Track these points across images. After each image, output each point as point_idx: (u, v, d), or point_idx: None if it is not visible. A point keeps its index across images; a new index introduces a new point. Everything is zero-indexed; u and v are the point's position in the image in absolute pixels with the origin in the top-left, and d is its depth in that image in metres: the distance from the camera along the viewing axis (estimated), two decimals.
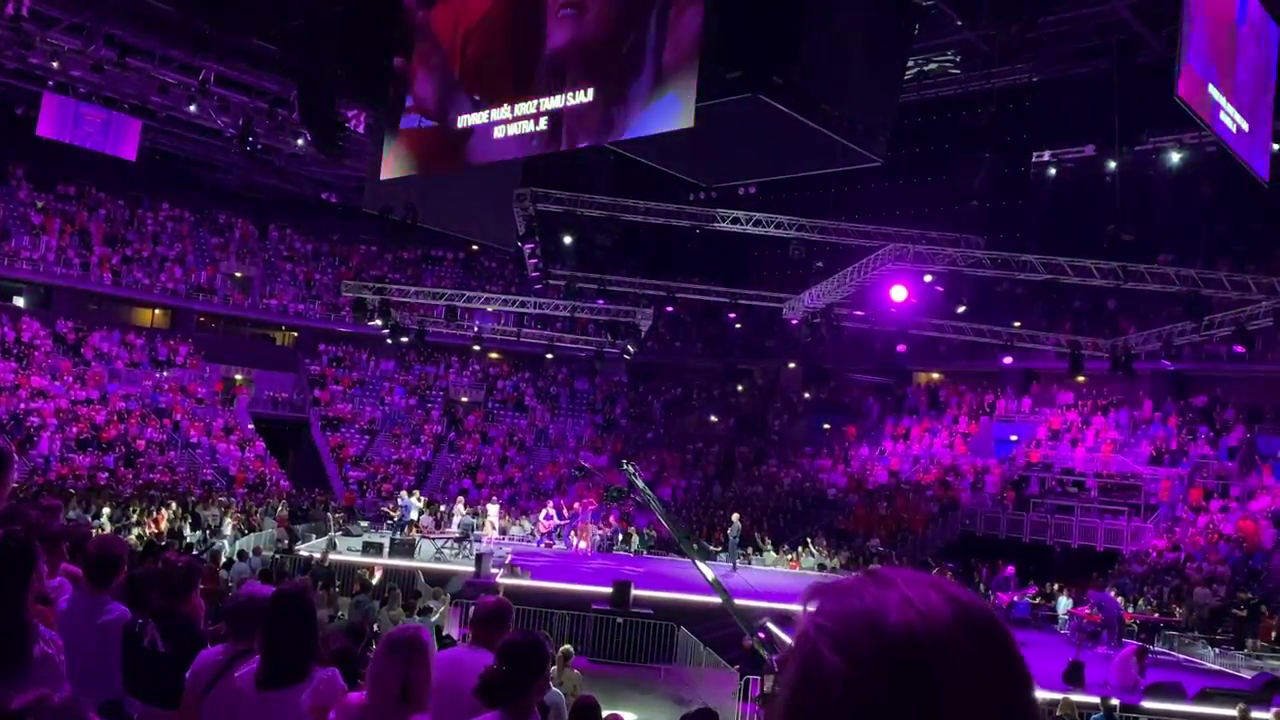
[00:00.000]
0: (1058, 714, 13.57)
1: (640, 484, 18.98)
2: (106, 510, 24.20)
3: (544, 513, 30.12)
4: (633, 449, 41.42)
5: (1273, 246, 33.55)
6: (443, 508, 29.40)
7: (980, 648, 0.97)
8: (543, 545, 29.16)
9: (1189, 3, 13.18)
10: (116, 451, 33.59)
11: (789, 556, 29.42)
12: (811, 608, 1.02)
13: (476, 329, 38.97)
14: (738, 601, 16.73)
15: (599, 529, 29.70)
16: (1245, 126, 15.26)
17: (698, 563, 16.81)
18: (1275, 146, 17.65)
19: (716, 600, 16.44)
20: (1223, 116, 14.48)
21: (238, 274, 44.20)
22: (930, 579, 1.02)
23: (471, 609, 5.08)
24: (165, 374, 38.84)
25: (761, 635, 15.42)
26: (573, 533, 29.39)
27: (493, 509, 29.05)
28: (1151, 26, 16.48)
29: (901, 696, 0.94)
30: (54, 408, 33.78)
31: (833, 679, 0.95)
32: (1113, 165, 23.28)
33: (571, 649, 12.51)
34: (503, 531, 29.31)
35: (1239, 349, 27.28)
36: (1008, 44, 17.79)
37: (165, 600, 4.40)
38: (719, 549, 28.09)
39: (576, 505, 30.27)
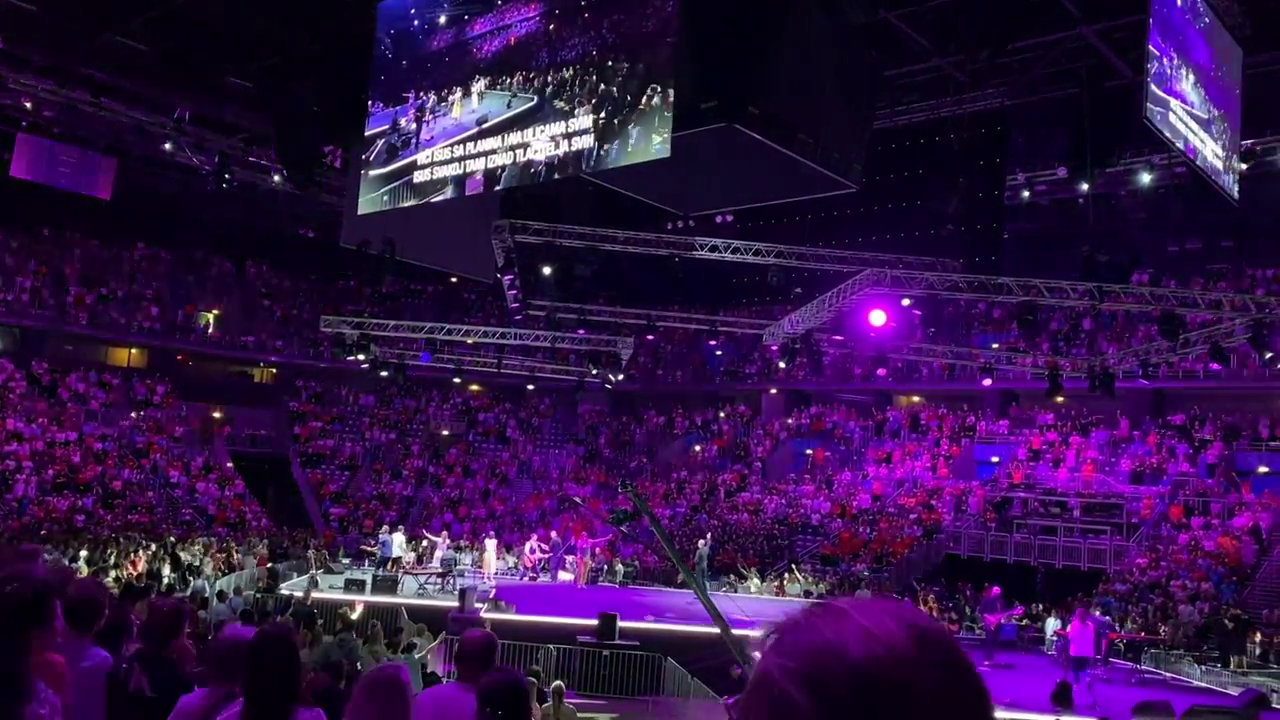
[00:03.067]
0: None
1: (644, 506, 18.93)
2: (84, 553, 23.88)
3: (529, 545, 29.93)
4: (616, 479, 41.31)
5: (1244, 264, 34.01)
6: (424, 543, 29.16)
7: (944, 674, 0.97)
8: (527, 578, 28.97)
9: (1154, 27, 13.39)
10: (94, 493, 33.20)
11: (774, 583, 29.33)
12: (769, 646, 1.01)
13: (455, 362, 38.89)
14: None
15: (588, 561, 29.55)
16: (1213, 146, 15.49)
17: (696, 589, 16.74)
18: (1243, 166, 17.92)
19: (702, 630, 16.35)
20: (1191, 137, 14.69)
21: (215, 312, 43.97)
22: (883, 606, 1.02)
23: (456, 645, 5.03)
24: (142, 414, 38.50)
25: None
26: (568, 562, 29.26)
27: (490, 544, 28.84)
28: (1118, 51, 16.72)
29: None
30: (30, 450, 33.39)
31: (801, 717, 0.95)
32: (1085, 187, 23.59)
33: (563, 685, 12.38)
34: (482, 565, 29.07)
35: (1215, 366, 27.57)
36: (978, 70, 18.02)
37: (151, 644, 4.33)
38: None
39: (574, 539, 29.99)
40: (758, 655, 1.02)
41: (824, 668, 0.96)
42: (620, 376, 38.07)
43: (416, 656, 14.98)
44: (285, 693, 3.61)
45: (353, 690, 3.68)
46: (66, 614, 4.37)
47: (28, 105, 25.62)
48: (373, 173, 16.62)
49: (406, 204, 16.24)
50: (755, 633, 1.04)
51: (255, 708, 3.57)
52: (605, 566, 30.04)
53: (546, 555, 29.73)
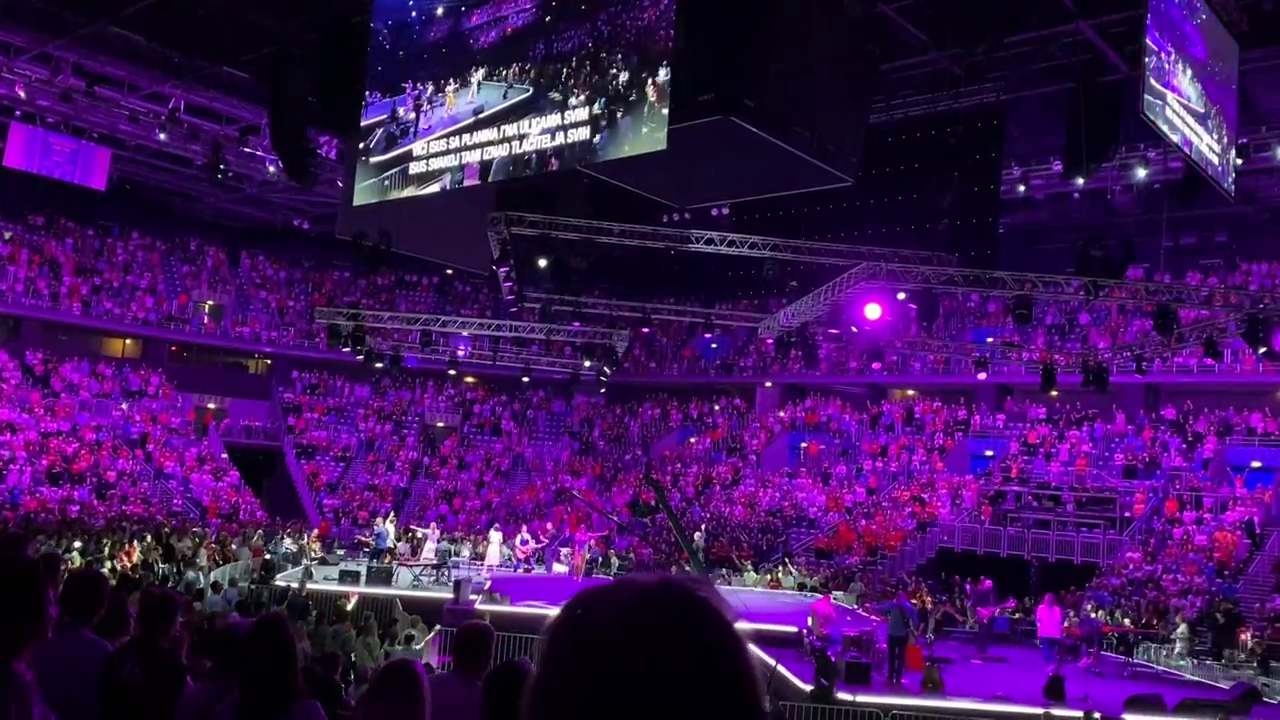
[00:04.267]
0: None
1: (664, 499, 19.07)
2: (78, 544, 23.83)
3: (520, 537, 29.92)
4: (611, 471, 41.34)
5: (1238, 259, 34.09)
6: (420, 533, 29.17)
7: (662, 623, 1.01)
8: (522, 570, 28.99)
9: (1151, 22, 13.40)
10: (88, 484, 33.15)
11: (768, 576, 29.39)
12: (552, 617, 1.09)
13: (450, 353, 38.85)
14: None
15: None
16: (1209, 141, 15.52)
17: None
18: (1238, 161, 17.95)
19: None
20: (1187, 132, 14.71)
21: (209, 302, 43.88)
22: (651, 576, 1.07)
23: (452, 636, 5.05)
24: (137, 404, 38.44)
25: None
26: (563, 554, 29.31)
27: (495, 536, 28.83)
28: (1115, 45, 16.73)
29: (590, 684, 0.99)
30: (23, 440, 33.32)
31: (544, 689, 1.04)
32: (1080, 182, 23.60)
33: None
34: (479, 557, 29.10)
35: (1209, 361, 27.64)
36: (974, 64, 18.02)
37: (145, 633, 4.33)
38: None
39: (569, 531, 29.96)
40: None
41: (558, 624, 1.07)
42: (615, 369, 38.08)
43: (415, 649, 15.00)
44: (281, 684, 3.61)
45: (368, 681, 3.69)
46: (68, 603, 4.38)
47: (21, 94, 25.51)
48: (372, 160, 16.58)
49: (403, 194, 16.22)
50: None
51: (251, 699, 3.57)
52: (600, 558, 30.07)
53: (540, 546, 29.76)
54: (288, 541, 28.85)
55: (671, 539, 31.27)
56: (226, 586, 19.74)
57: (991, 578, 25.97)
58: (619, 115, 12.79)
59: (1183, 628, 22.46)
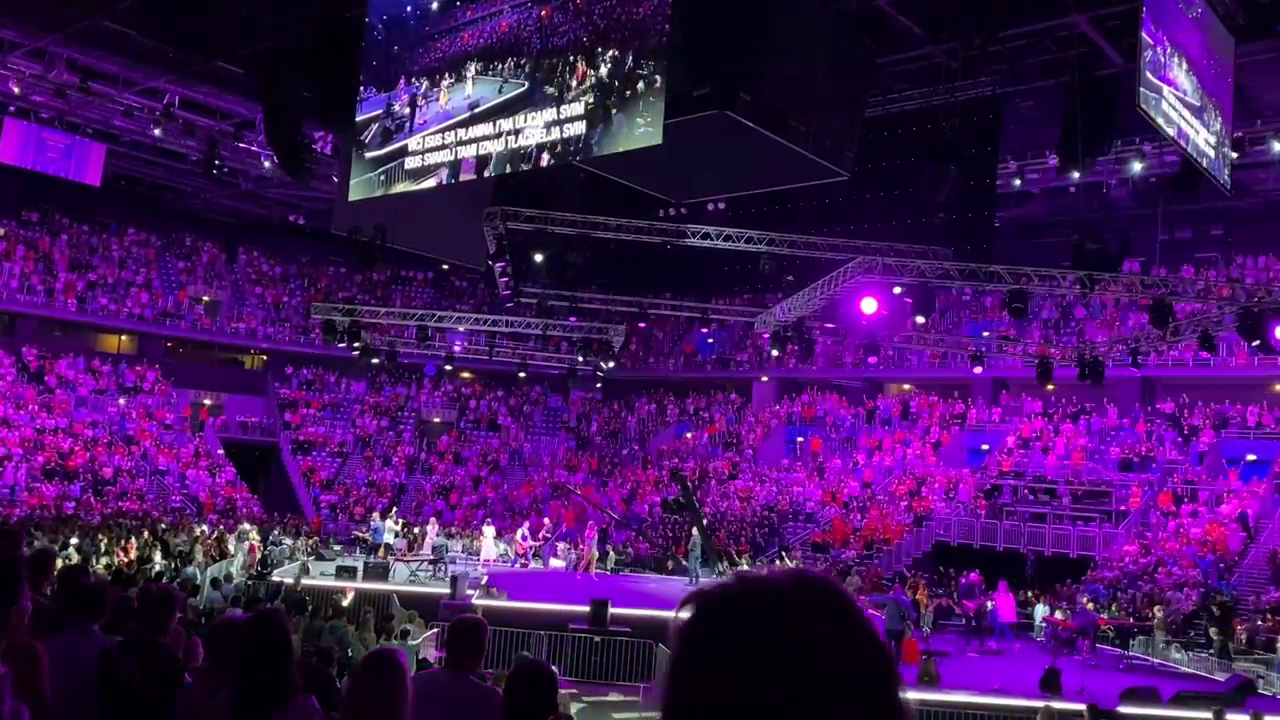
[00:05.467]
0: None
1: (689, 497, 19.16)
2: (74, 540, 23.81)
3: (520, 533, 29.92)
4: (608, 467, 41.35)
5: (1234, 252, 34.13)
6: (416, 529, 29.16)
7: (816, 601, 1.07)
8: (519, 565, 28.99)
9: (1147, 15, 13.40)
10: (83, 480, 33.12)
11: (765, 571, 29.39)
12: (683, 615, 1.10)
13: (445, 349, 38.82)
14: None
15: (579, 549, 29.56)
16: (1205, 134, 15.52)
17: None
18: (1234, 154, 17.96)
19: None
20: (1183, 125, 14.71)
21: (205, 298, 43.83)
22: (786, 570, 1.12)
23: (447, 630, 5.05)
24: (132, 400, 38.38)
25: None
26: (560, 549, 29.32)
27: (488, 531, 28.84)
28: (1111, 39, 16.72)
29: (751, 646, 1.03)
30: (19, 437, 33.28)
31: (688, 660, 1.07)
32: (1076, 175, 23.61)
33: (555, 671, 12.42)
34: (475, 553, 29.10)
35: (1204, 354, 27.68)
36: (970, 58, 18.00)
37: (143, 629, 4.34)
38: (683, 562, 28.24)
39: (566, 525, 29.93)
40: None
41: (711, 612, 1.08)
42: (612, 364, 38.08)
43: (411, 644, 15.01)
44: (278, 679, 3.61)
45: (352, 671, 3.70)
46: (74, 602, 4.39)
47: (15, 90, 25.43)
48: (368, 154, 16.55)
49: (399, 189, 16.20)
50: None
51: (248, 693, 3.57)
52: (597, 553, 30.05)
53: (539, 544, 29.77)
54: (286, 540, 28.80)
55: (682, 534, 31.31)
56: (223, 582, 19.75)
57: (987, 571, 26.04)
58: (614, 110, 12.77)
59: (1160, 617, 22.64)
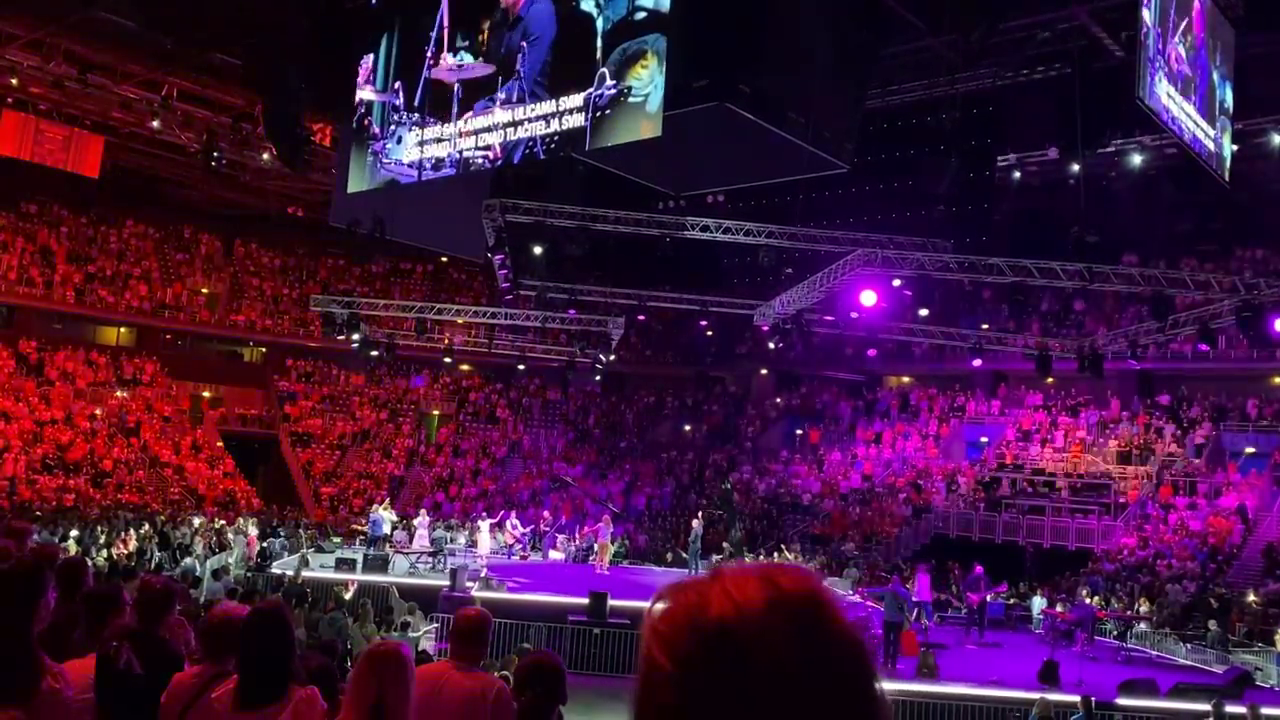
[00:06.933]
0: (1036, 713, 13.66)
1: (731, 510, 19.35)
2: (74, 532, 23.83)
3: (510, 523, 29.88)
4: (607, 459, 41.36)
5: (1233, 245, 34.10)
6: (415, 521, 29.15)
7: (794, 629, 0.99)
8: (517, 556, 28.99)
9: (1146, 6, 13.37)
10: (83, 472, 33.12)
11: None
12: (655, 610, 1.05)
13: (447, 341, 38.80)
14: None
15: (574, 541, 29.58)
16: (1205, 128, 15.51)
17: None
18: (1234, 147, 17.94)
19: None
20: (1183, 118, 14.70)
21: (204, 290, 43.77)
22: (761, 568, 1.05)
23: (450, 622, 5.05)
24: (132, 393, 38.37)
25: None
26: (559, 541, 29.41)
27: (484, 524, 28.87)
28: (1111, 31, 16.70)
29: (717, 685, 0.97)
30: (18, 429, 33.27)
31: (661, 679, 1.00)
32: (1075, 168, 23.61)
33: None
34: (474, 544, 29.10)
35: (1203, 347, 27.68)
36: (970, 49, 17.97)
37: (142, 622, 4.33)
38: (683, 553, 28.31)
39: (599, 524, 29.52)
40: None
41: (679, 628, 1.01)
42: (611, 356, 38.07)
43: (412, 635, 15.04)
44: (279, 668, 3.61)
45: (355, 662, 3.69)
46: (87, 602, 4.38)
47: (13, 81, 25.37)
48: (367, 146, 16.51)
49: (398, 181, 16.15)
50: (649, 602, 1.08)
51: (249, 685, 3.57)
52: (595, 546, 30.06)
53: (527, 530, 29.83)
54: (284, 532, 28.84)
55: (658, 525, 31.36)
56: (223, 574, 19.78)
57: (986, 564, 26.04)
58: (614, 102, 12.73)
59: (1147, 606, 22.76)
